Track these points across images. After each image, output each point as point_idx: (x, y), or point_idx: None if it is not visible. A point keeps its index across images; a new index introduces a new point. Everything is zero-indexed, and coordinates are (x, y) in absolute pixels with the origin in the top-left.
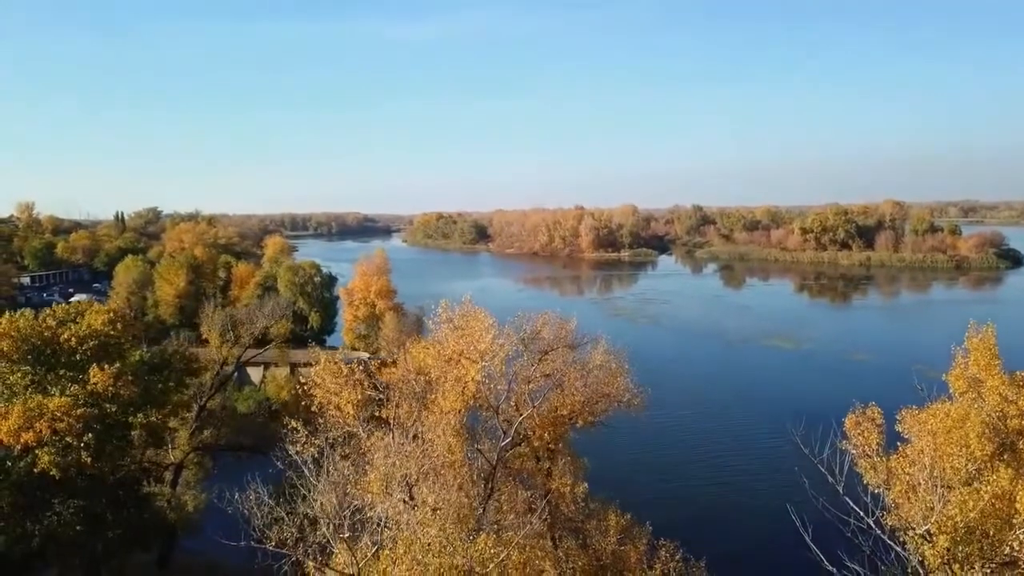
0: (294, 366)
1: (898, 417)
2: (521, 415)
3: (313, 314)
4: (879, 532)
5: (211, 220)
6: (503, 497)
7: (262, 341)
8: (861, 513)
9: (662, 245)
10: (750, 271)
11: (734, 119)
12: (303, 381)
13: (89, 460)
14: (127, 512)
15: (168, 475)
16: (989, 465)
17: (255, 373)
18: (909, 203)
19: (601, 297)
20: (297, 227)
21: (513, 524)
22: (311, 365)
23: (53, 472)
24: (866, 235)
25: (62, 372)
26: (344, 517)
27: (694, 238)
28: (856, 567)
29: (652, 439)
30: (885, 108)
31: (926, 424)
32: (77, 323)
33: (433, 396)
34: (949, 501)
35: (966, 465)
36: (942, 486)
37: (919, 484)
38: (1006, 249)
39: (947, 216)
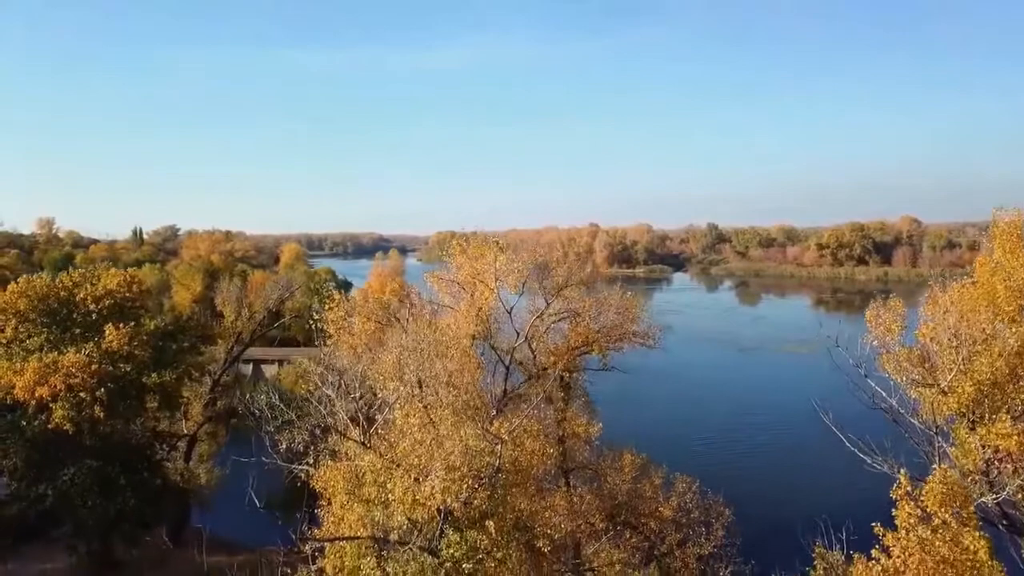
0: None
1: (922, 300)
2: (534, 318)
3: None
4: (901, 411)
5: (228, 234)
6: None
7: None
8: (884, 394)
9: (677, 263)
10: (766, 287)
11: (748, 142)
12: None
13: (102, 415)
14: (140, 477)
15: (182, 446)
16: (1017, 320)
17: (269, 371)
18: (926, 223)
19: None
20: (313, 247)
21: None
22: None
23: (67, 427)
24: (883, 251)
25: (77, 332)
26: (356, 379)
27: (709, 256)
28: (880, 459)
29: (667, 423)
30: (902, 131)
31: (951, 296)
32: (93, 285)
33: (446, 320)
34: (974, 355)
35: (992, 320)
36: (967, 343)
37: (942, 343)
38: None
39: (965, 236)
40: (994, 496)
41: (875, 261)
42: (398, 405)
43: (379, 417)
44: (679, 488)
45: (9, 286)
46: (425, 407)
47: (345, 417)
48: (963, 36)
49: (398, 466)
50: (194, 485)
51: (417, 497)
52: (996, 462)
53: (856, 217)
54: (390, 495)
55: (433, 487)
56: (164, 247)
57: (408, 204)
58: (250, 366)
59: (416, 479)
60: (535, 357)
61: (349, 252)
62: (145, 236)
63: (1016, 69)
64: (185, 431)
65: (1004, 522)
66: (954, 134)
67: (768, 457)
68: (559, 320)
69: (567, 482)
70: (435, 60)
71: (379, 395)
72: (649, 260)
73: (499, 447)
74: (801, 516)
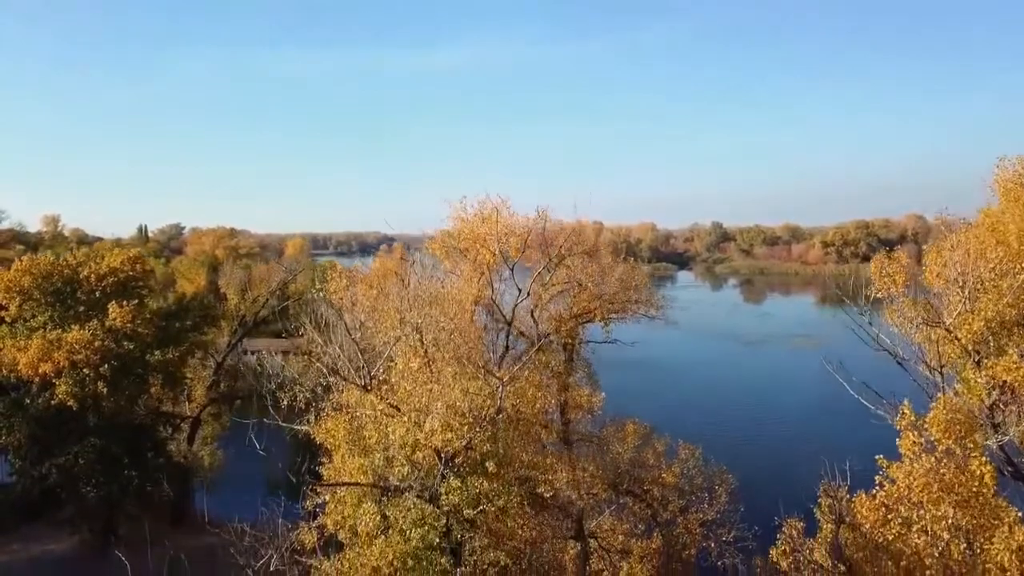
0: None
1: (926, 249)
2: (535, 275)
3: None
4: (905, 358)
5: (233, 231)
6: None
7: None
8: (888, 342)
9: (682, 261)
10: (770, 285)
11: (752, 143)
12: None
13: (105, 391)
14: (143, 457)
15: (186, 428)
16: None
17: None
18: (932, 222)
19: None
20: (318, 246)
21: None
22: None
23: (70, 403)
24: (888, 249)
25: (81, 310)
26: (356, 325)
27: (714, 254)
28: (886, 403)
29: (672, 410)
30: (904, 131)
31: (958, 237)
32: (97, 263)
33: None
34: (980, 293)
35: (1001, 259)
36: (972, 278)
37: (949, 280)
38: None
39: None
40: (998, 439)
41: None
42: (399, 352)
43: (379, 363)
44: (682, 455)
45: (13, 264)
46: (426, 351)
47: (346, 362)
48: (963, 36)
49: (398, 409)
50: (197, 466)
51: (418, 438)
52: (1001, 405)
53: (861, 217)
54: (391, 436)
55: (433, 426)
56: (169, 245)
57: (411, 203)
58: (253, 358)
59: (416, 423)
60: (537, 325)
61: (354, 251)
62: (150, 234)
63: (1016, 69)
64: (189, 413)
65: (1009, 468)
66: (955, 134)
67: (772, 440)
68: (562, 291)
69: (569, 453)
70: (435, 60)
71: (380, 342)
72: (653, 258)
73: (500, 389)
74: (805, 475)
